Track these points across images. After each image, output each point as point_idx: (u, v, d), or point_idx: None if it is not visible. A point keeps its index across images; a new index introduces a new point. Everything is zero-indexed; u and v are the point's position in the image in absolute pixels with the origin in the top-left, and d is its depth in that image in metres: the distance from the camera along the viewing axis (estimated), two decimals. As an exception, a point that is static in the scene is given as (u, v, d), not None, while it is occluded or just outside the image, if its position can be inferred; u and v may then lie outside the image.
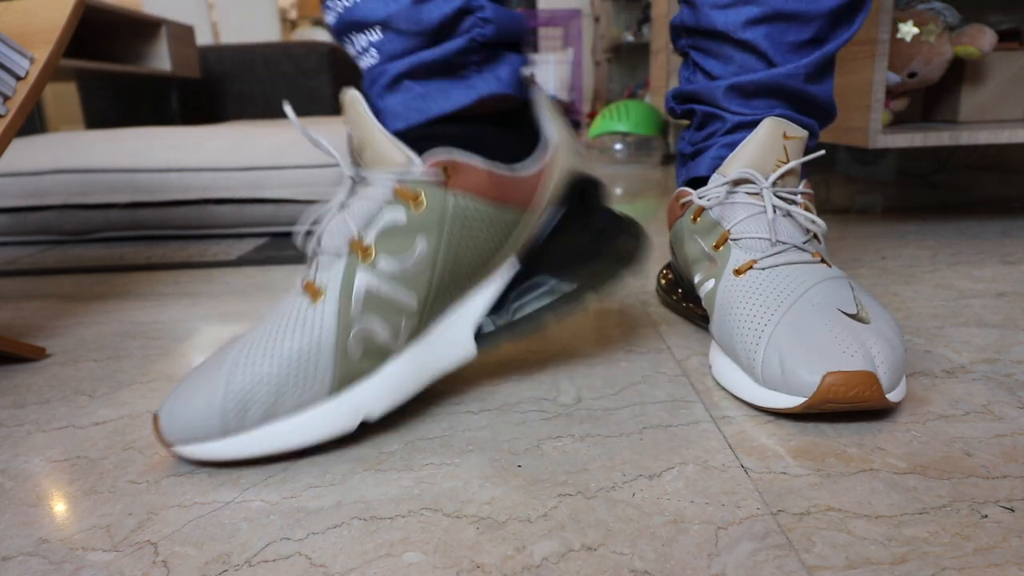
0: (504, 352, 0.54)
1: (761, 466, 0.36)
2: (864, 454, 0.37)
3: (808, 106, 0.53)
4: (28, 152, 1.10)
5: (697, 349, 0.53)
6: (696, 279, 0.52)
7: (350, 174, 0.41)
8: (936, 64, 0.88)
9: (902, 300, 0.63)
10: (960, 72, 0.94)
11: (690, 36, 0.55)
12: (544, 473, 0.36)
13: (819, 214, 1.06)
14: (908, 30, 0.88)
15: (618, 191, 1.40)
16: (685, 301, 0.59)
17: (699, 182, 0.55)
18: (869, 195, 1.20)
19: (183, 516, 0.34)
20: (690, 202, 0.53)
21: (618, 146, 2.06)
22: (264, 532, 0.32)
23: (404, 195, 0.39)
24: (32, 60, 0.58)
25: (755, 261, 0.46)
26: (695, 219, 0.52)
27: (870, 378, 0.38)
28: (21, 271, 0.90)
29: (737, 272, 0.47)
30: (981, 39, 0.87)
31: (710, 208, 0.50)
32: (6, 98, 0.56)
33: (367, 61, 0.43)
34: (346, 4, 0.41)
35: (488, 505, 0.34)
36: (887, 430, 0.39)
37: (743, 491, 0.34)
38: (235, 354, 0.38)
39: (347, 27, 0.42)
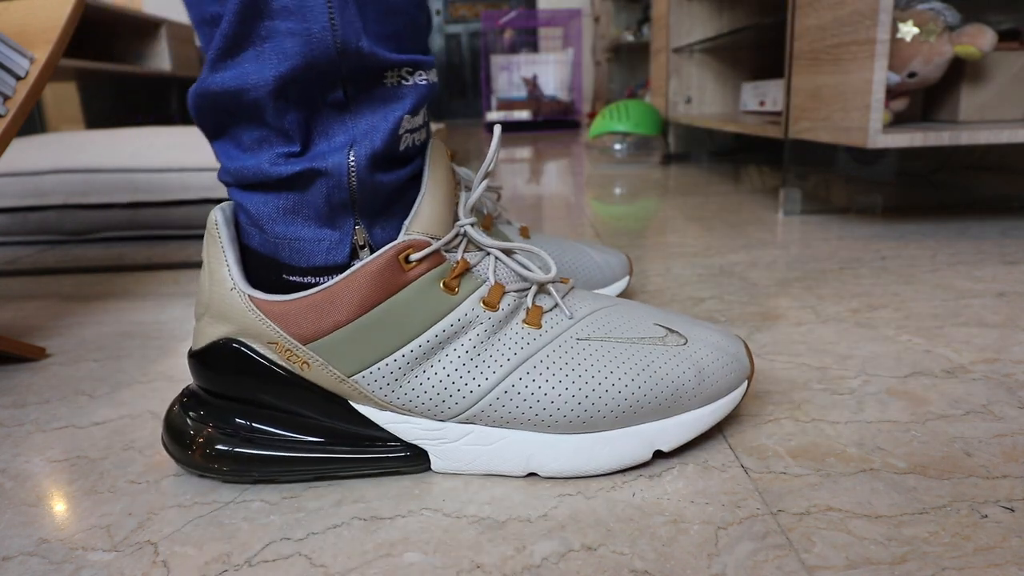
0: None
1: (761, 466, 0.36)
2: (864, 454, 0.37)
3: None
4: (28, 152, 1.10)
5: (697, 349, 0.53)
6: None
7: None
8: (936, 64, 0.88)
9: (902, 300, 0.63)
10: (960, 72, 0.94)
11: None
12: (544, 473, 0.36)
13: (819, 214, 1.06)
14: (908, 30, 0.88)
15: (618, 191, 1.40)
16: None
17: None
18: (869, 195, 1.20)
19: (183, 516, 0.34)
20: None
21: (618, 146, 2.06)
22: (264, 532, 0.32)
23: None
24: (32, 60, 0.58)
25: None
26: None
27: None
28: (21, 271, 0.90)
29: None
30: (981, 39, 0.87)
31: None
32: (6, 98, 0.56)
33: None
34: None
35: (488, 505, 0.34)
36: (887, 430, 0.39)
37: (743, 491, 0.34)
38: None
39: None
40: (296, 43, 0.31)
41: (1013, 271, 0.70)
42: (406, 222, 0.35)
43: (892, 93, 0.93)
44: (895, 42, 0.88)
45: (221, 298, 0.35)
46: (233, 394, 0.37)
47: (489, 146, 0.37)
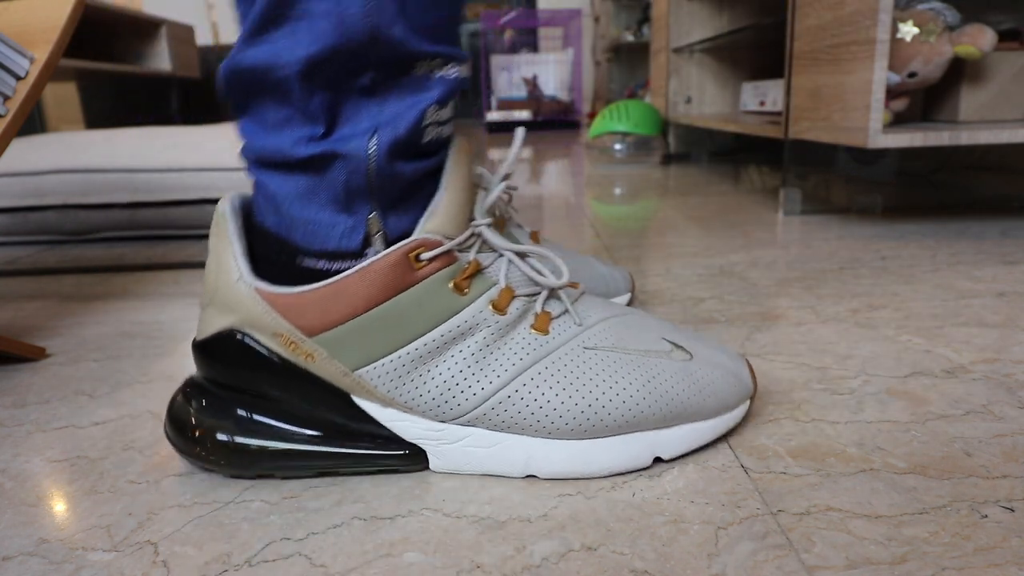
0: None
1: (761, 466, 0.36)
2: (864, 454, 0.37)
3: None
4: (28, 152, 1.10)
5: (697, 349, 0.53)
6: None
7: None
8: (936, 64, 0.88)
9: (902, 300, 0.63)
10: (960, 72, 0.94)
11: None
12: (544, 473, 0.36)
13: (819, 213, 1.06)
14: (908, 30, 0.88)
15: (618, 191, 1.40)
16: None
17: None
18: (869, 195, 1.20)
19: (183, 516, 0.34)
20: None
21: (618, 146, 2.06)
22: (264, 532, 0.32)
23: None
24: (32, 60, 0.58)
25: None
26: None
27: None
28: (21, 271, 0.90)
29: None
30: (981, 39, 0.86)
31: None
32: (6, 98, 0.56)
33: None
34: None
35: (488, 505, 0.34)
36: (887, 430, 0.39)
37: (743, 491, 0.34)
38: None
39: None
40: (329, 24, 0.31)
41: (1013, 271, 0.70)
42: (422, 220, 0.35)
43: (892, 93, 0.93)
44: (895, 42, 0.88)
45: (227, 288, 0.35)
46: (236, 384, 0.36)
47: (511, 146, 0.37)
